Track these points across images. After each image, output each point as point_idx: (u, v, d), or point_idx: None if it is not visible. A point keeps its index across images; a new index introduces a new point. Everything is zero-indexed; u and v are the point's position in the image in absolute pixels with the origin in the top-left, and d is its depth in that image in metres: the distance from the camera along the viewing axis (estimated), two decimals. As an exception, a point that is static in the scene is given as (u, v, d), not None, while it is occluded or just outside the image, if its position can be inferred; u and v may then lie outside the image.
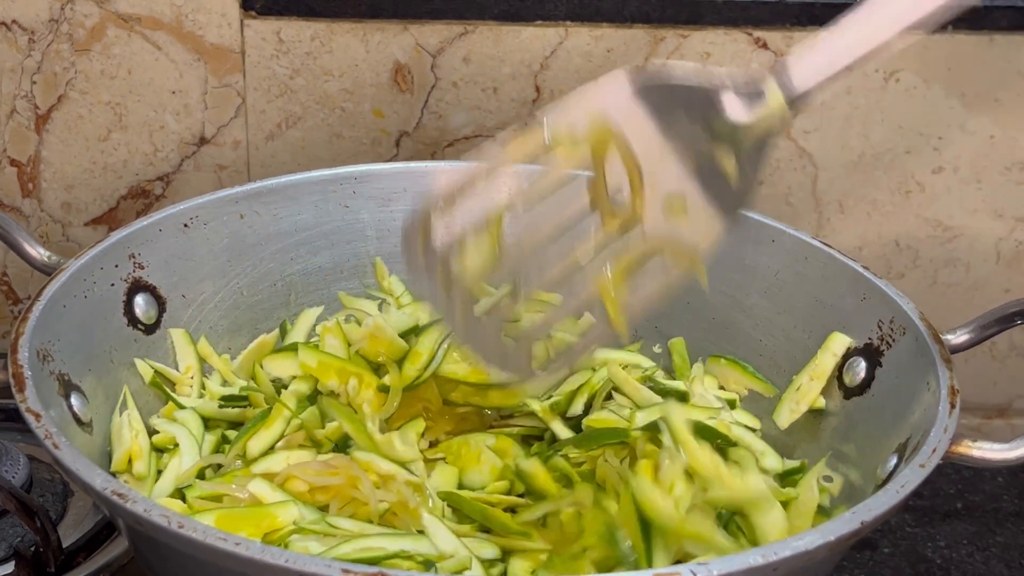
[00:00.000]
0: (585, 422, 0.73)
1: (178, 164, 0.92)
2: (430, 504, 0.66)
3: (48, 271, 0.71)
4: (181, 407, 0.74)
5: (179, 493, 0.68)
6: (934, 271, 0.95)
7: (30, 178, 0.92)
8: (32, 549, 0.71)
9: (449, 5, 0.87)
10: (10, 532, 0.75)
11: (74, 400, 0.65)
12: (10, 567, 0.71)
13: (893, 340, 0.70)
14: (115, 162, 0.92)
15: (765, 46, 0.88)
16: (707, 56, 0.88)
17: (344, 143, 0.92)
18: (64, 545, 0.72)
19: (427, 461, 0.72)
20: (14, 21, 0.87)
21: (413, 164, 0.86)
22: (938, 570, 0.85)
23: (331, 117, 0.91)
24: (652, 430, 0.67)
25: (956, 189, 0.92)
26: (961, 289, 0.95)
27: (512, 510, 0.67)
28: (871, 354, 0.71)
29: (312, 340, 0.80)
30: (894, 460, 0.63)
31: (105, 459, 0.68)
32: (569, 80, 0.89)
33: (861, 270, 0.73)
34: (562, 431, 0.73)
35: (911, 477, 0.56)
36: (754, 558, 0.49)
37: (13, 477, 0.77)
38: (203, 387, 0.77)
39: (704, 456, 0.63)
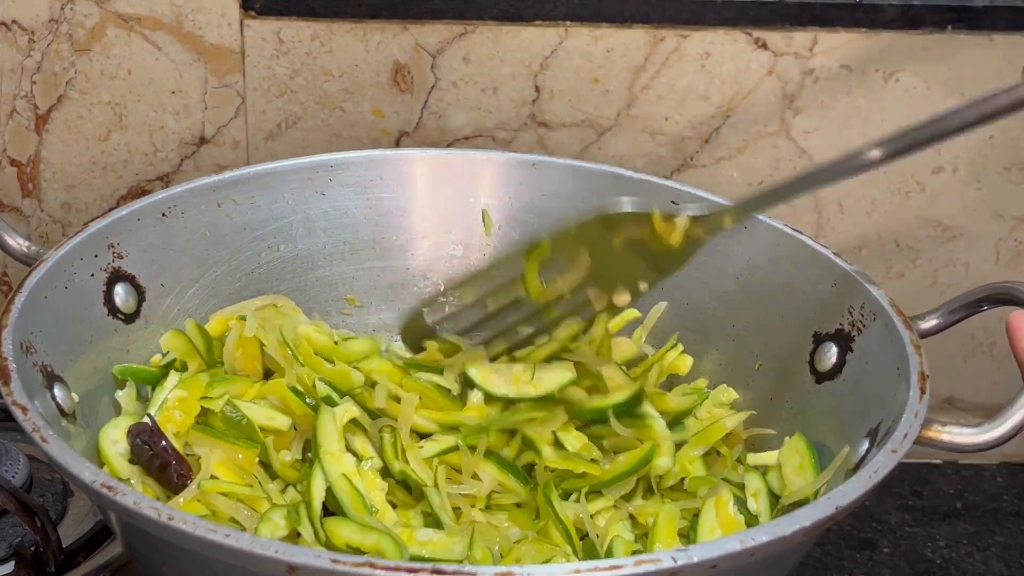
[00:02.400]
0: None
1: (178, 164, 0.92)
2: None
3: (29, 261, 0.71)
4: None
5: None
6: (934, 271, 0.95)
7: (30, 178, 0.93)
8: (32, 549, 0.71)
9: (449, 5, 0.87)
10: (10, 532, 0.75)
11: (57, 391, 0.65)
12: (10, 567, 0.71)
13: (864, 326, 0.70)
14: (115, 162, 0.92)
15: (765, 46, 0.88)
16: (707, 56, 0.88)
17: (344, 143, 0.92)
18: (64, 545, 0.73)
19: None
20: (14, 21, 0.87)
21: (390, 151, 0.86)
22: (938, 570, 0.85)
23: (331, 117, 0.91)
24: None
25: (956, 189, 0.92)
26: (961, 289, 0.94)
27: None
28: (842, 339, 0.71)
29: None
30: (866, 444, 0.63)
31: (90, 449, 0.68)
32: (569, 80, 0.89)
33: (832, 256, 0.74)
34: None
35: (883, 463, 0.56)
36: (732, 544, 0.49)
37: (13, 477, 0.77)
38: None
39: None
